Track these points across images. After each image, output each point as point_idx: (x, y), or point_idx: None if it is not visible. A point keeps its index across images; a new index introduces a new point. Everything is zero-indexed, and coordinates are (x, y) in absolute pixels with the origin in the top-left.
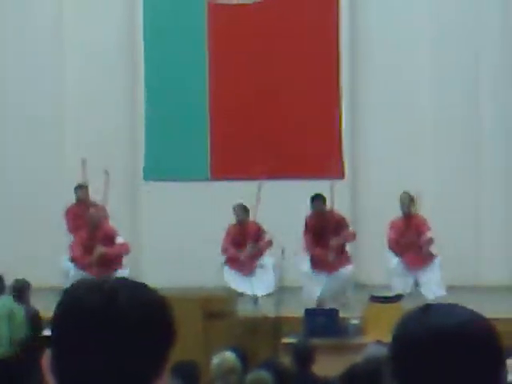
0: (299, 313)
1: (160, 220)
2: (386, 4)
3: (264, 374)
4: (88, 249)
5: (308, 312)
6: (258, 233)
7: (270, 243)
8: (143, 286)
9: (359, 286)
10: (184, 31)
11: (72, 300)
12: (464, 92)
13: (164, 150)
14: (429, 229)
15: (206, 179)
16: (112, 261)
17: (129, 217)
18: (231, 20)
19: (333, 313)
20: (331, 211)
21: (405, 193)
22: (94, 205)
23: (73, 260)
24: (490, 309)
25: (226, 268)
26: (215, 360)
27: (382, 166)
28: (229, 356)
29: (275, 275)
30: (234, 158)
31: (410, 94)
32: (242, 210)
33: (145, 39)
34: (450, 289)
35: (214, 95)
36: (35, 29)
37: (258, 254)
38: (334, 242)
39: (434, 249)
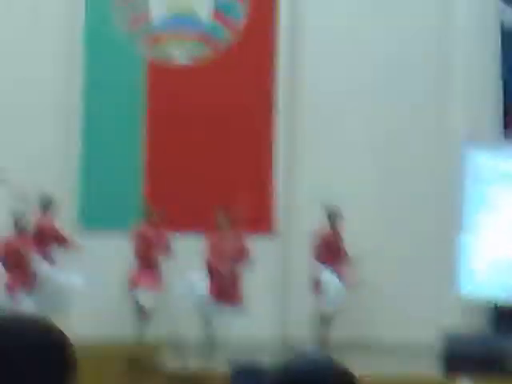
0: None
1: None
2: (323, 57)
3: None
4: None
5: (236, 369)
6: None
7: None
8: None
9: None
10: (122, 86)
11: None
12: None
13: (98, 200)
14: None
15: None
16: None
17: None
18: (170, 78)
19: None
20: None
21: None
22: None
23: None
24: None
25: None
26: None
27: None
28: None
29: None
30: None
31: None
32: None
33: (83, 90)
34: None
35: (150, 151)
36: None
37: None
38: None
39: None
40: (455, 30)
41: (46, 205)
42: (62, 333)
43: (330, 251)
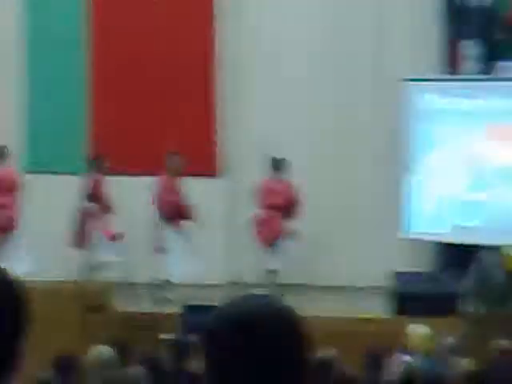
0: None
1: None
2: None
3: (139, 370)
4: None
5: (187, 308)
6: None
7: None
8: None
9: None
10: (65, 29)
11: None
12: None
13: (43, 144)
14: None
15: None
16: None
17: None
18: (114, 11)
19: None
20: None
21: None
22: None
23: None
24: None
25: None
26: (91, 354)
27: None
28: (105, 350)
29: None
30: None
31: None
32: None
33: (27, 27)
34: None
35: (96, 96)
36: None
37: None
38: None
39: None
40: None
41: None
42: (6, 272)
43: (275, 199)
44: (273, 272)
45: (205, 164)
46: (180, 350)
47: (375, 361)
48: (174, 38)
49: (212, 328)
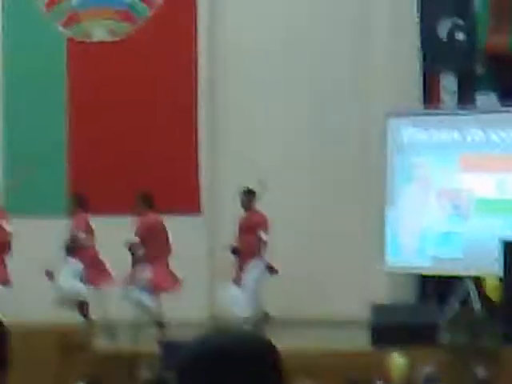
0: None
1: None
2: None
3: None
4: None
5: (164, 345)
6: None
7: None
8: None
9: None
10: (43, 67)
11: None
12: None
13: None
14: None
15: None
16: None
17: None
18: (91, 57)
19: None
20: None
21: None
22: None
23: None
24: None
25: None
26: None
27: None
28: None
29: None
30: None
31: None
32: None
33: (3, 74)
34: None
35: (74, 132)
36: None
37: None
38: None
39: None
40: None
41: None
42: None
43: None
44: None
45: (187, 201)
46: None
47: None
48: (154, 78)
49: (184, 363)
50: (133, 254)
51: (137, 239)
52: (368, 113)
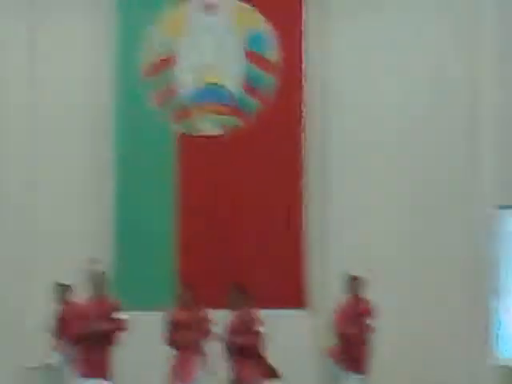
0: None
1: None
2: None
3: None
4: None
5: None
6: None
7: None
8: None
9: None
10: (154, 161)
11: None
12: None
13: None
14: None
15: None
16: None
17: None
18: (201, 151)
19: None
20: None
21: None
22: None
23: None
24: None
25: None
26: None
27: None
28: None
29: None
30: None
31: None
32: None
33: (115, 169)
34: None
35: (183, 226)
36: None
37: None
38: None
39: None
40: (484, 84)
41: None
42: None
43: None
44: None
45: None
46: None
47: None
48: (261, 173)
49: None
50: None
51: None
52: (476, 202)
